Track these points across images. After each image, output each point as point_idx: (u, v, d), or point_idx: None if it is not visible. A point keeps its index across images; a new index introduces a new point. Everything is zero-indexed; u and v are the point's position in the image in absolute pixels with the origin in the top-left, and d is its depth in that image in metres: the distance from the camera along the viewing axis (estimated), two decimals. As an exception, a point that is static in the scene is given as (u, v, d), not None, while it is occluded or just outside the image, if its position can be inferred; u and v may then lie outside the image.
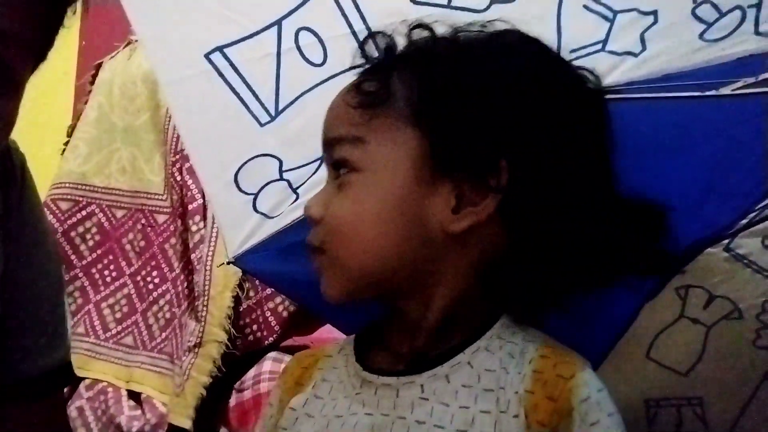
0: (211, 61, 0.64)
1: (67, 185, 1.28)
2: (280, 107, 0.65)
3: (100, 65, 1.34)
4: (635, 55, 0.60)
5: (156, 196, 1.23)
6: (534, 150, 0.49)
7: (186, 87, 0.66)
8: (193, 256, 1.13)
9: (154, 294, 1.21)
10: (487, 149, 0.49)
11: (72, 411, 1.18)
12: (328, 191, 0.52)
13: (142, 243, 1.23)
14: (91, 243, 1.28)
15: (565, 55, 0.57)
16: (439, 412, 0.47)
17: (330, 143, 0.53)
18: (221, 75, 0.64)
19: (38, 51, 0.57)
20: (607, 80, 0.59)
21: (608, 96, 0.56)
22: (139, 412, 1.15)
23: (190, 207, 1.14)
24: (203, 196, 1.13)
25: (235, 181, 0.68)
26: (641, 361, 0.70)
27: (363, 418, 0.49)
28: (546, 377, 0.47)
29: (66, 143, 1.32)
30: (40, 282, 0.68)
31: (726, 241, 0.66)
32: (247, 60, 0.64)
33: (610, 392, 0.53)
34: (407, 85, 0.50)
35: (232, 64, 0.64)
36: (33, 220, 0.68)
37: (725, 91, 0.58)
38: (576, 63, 0.57)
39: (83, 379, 1.21)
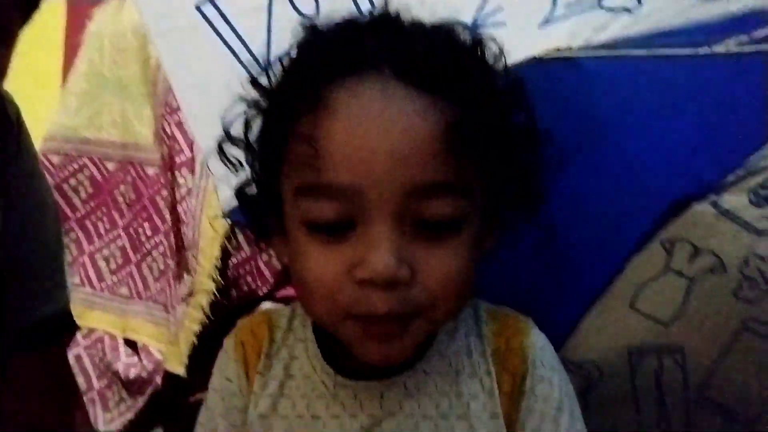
0: (201, 12, 0.63)
1: (58, 139, 1.27)
2: (272, 59, 0.65)
3: (91, 18, 1.31)
4: (630, 11, 0.60)
5: (146, 149, 1.22)
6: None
7: (177, 38, 0.65)
8: (180, 208, 1.13)
9: (147, 245, 1.21)
10: None
11: (69, 359, 1.20)
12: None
13: (133, 195, 1.23)
14: (84, 196, 1.28)
15: (561, 11, 0.57)
16: (425, 403, 0.51)
17: None
18: (212, 26, 0.63)
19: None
20: (601, 37, 0.59)
21: (601, 53, 0.56)
22: (135, 359, 1.18)
23: (177, 160, 1.14)
24: (191, 149, 1.13)
25: (227, 134, 0.68)
26: (625, 311, 0.72)
27: (348, 420, 0.51)
28: (502, 352, 0.52)
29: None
30: (40, 231, 0.69)
31: (713, 196, 0.66)
32: (238, 11, 0.63)
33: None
34: None
35: (222, 15, 0.63)
36: (30, 171, 0.68)
37: (718, 48, 0.58)
38: (570, 20, 0.57)
39: (80, 327, 1.22)
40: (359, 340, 0.47)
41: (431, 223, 0.45)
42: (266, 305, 1.10)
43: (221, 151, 0.54)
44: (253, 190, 0.55)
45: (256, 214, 0.56)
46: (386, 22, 0.49)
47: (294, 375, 0.54)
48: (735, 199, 0.66)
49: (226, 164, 0.54)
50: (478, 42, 0.50)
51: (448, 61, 0.46)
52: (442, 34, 0.49)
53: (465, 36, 0.49)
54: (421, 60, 0.44)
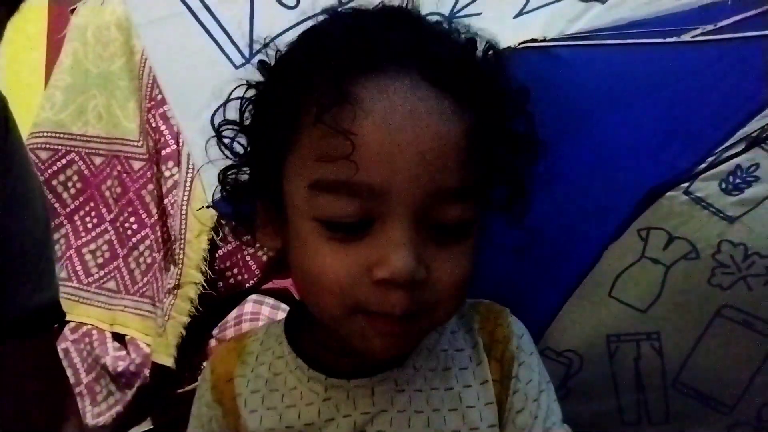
0: (185, 2, 0.64)
1: (45, 134, 1.27)
2: (254, 49, 0.66)
3: (74, 11, 1.31)
4: (602, 2, 0.62)
5: (131, 143, 1.23)
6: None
7: (161, 28, 0.66)
8: (166, 201, 1.13)
9: (134, 240, 1.22)
10: None
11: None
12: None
13: (119, 189, 1.23)
14: (73, 191, 1.28)
15: (535, 2, 0.58)
16: (417, 398, 0.51)
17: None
18: (195, 16, 0.64)
19: None
20: (575, 27, 0.61)
21: (574, 43, 0.57)
22: (124, 352, 1.18)
23: (163, 153, 1.14)
24: (177, 142, 1.13)
25: (212, 124, 0.69)
26: (604, 299, 0.73)
27: (343, 421, 0.51)
28: (489, 345, 0.54)
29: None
30: (28, 222, 0.69)
31: (686, 184, 0.68)
32: (221, 1, 0.64)
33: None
34: None
35: (205, 5, 0.64)
36: (18, 162, 0.69)
37: (686, 38, 0.59)
38: (544, 11, 0.58)
39: (68, 322, 1.23)
40: (363, 335, 0.46)
41: (447, 226, 0.45)
42: (253, 297, 1.11)
43: (218, 134, 0.53)
44: (240, 176, 0.55)
45: (241, 202, 0.54)
46: (404, 17, 0.48)
47: (277, 389, 0.54)
48: (707, 187, 0.68)
49: (221, 149, 0.53)
50: (491, 48, 0.50)
51: (472, 66, 0.47)
52: (462, 38, 0.49)
53: (481, 43, 0.50)
54: (448, 63, 0.45)
